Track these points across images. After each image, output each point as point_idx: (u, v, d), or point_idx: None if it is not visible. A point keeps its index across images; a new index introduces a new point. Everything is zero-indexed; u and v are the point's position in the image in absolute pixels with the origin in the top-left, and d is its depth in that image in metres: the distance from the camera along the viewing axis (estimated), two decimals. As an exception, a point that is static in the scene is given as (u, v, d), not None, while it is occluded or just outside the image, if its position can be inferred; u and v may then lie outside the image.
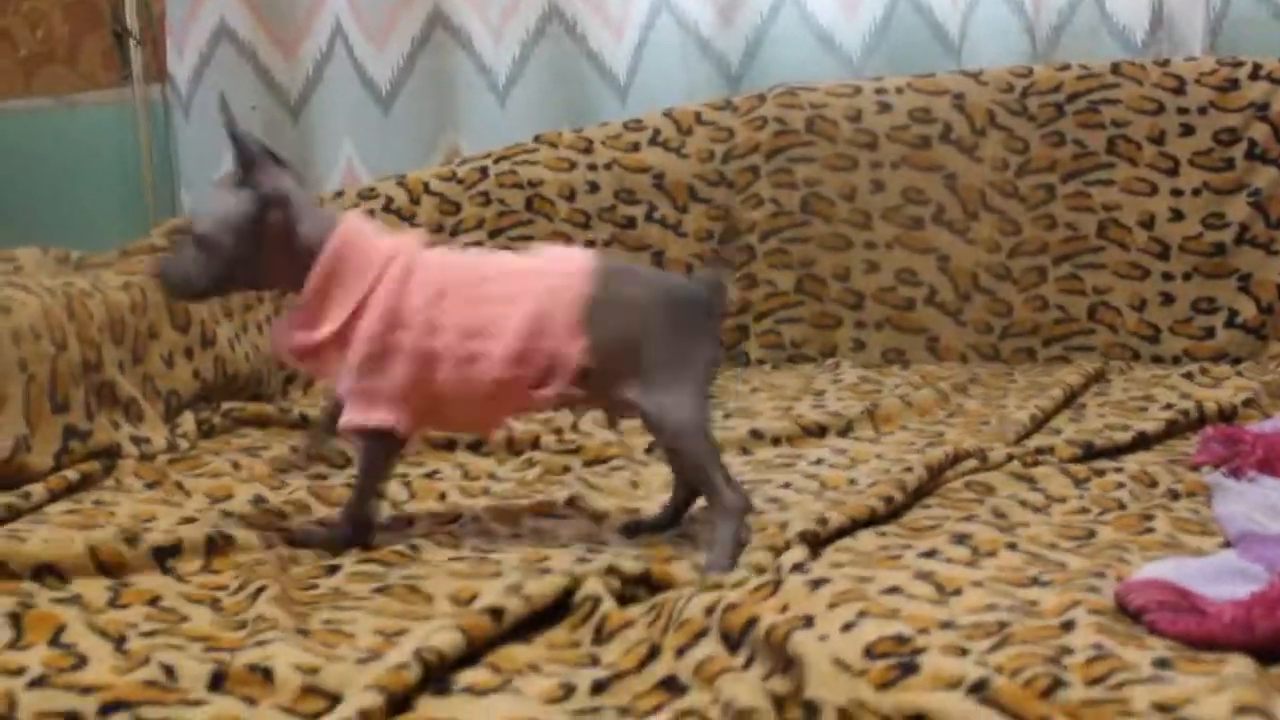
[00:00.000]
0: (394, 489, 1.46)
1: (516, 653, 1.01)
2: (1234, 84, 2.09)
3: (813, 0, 2.33)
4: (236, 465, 1.56)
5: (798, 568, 1.11)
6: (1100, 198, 2.13)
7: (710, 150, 2.25)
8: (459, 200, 2.24)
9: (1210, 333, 2.09)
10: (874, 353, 2.20)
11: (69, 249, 2.02)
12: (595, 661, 1.00)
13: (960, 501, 1.38)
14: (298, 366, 1.41)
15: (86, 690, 0.94)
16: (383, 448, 1.29)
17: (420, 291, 1.25)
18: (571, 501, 1.42)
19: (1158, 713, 0.82)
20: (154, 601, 1.13)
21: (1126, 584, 1.04)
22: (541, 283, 1.24)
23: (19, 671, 0.97)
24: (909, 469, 1.43)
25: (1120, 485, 1.41)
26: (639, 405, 1.23)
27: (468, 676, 0.96)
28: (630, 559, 1.16)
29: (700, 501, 1.30)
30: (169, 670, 0.96)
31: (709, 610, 1.00)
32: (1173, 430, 1.64)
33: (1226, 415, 1.67)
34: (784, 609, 1.00)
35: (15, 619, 1.06)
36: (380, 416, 1.25)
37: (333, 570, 1.22)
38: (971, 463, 1.49)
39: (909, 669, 0.89)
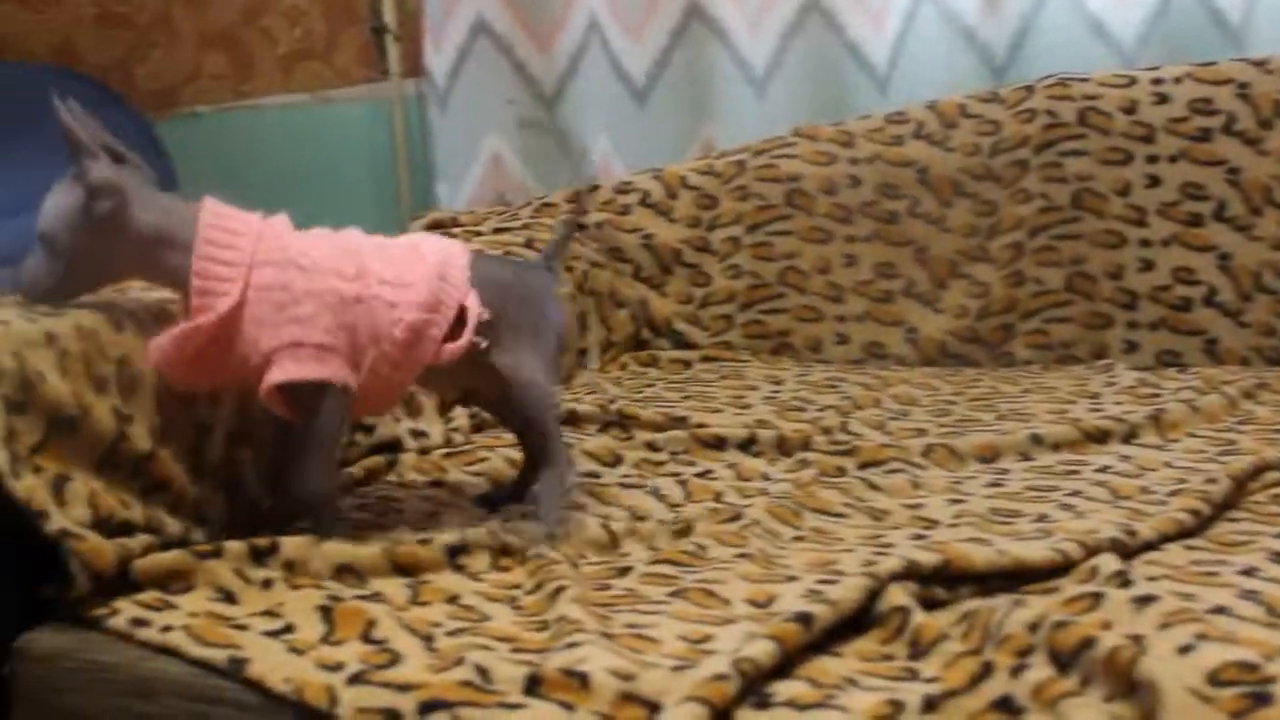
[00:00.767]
0: (669, 488, 1.45)
1: (829, 664, 0.98)
2: None
3: (1084, -13, 2.24)
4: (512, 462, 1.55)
5: (1119, 576, 1.06)
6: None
7: (976, 144, 2.19)
8: (716, 194, 2.23)
9: None
10: (1147, 354, 2.09)
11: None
12: (914, 675, 0.96)
13: (1269, 516, 1.30)
14: (190, 382, 1.25)
15: (404, 688, 0.94)
16: (338, 405, 1.23)
17: (317, 245, 1.24)
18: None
19: None
20: (453, 600, 1.14)
21: None
22: (429, 243, 1.31)
23: (337, 667, 0.98)
24: (1212, 480, 1.35)
25: None
26: (494, 361, 1.29)
27: (785, 689, 0.93)
28: (920, 551, 1.12)
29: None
30: (483, 671, 0.95)
31: (1032, 627, 0.96)
32: None
33: None
34: (1106, 626, 0.95)
35: (327, 612, 1.07)
36: (333, 370, 1.20)
37: (624, 572, 1.21)
38: (1275, 474, 1.40)
39: (1262, 699, 0.83)
